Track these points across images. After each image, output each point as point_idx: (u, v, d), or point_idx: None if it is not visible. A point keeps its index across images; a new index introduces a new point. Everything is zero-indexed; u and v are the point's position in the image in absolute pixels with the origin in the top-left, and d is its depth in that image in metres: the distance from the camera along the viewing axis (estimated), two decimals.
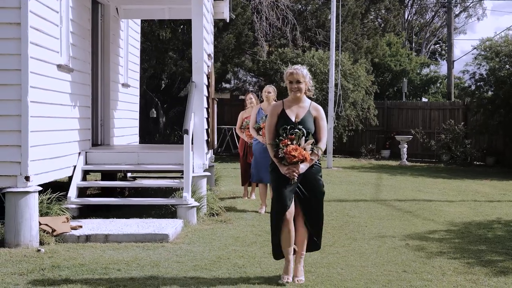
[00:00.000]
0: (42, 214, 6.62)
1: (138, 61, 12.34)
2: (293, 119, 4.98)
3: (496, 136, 17.76)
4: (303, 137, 4.89)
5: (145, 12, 11.45)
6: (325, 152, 10.95)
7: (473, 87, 17.97)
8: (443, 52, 39.41)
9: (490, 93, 17.45)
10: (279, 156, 4.89)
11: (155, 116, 21.07)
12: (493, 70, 16.89)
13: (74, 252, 5.95)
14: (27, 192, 6.20)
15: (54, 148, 7.18)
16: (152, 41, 18.81)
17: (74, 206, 7.50)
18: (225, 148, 19.83)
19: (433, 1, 37.26)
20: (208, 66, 9.60)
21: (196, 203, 7.66)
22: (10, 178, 6.28)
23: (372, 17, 25.90)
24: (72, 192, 7.64)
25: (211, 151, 10.51)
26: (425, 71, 32.07)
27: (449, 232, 7.42)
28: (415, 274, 5.34)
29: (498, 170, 16.51)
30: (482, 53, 17.44)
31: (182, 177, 8.36)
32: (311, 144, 4.92)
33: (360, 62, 19.45)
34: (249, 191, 10.09)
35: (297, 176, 4.90)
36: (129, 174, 10.58)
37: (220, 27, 17.81)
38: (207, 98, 9.45)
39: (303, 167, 4.89)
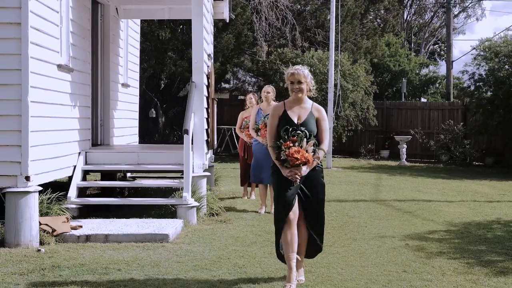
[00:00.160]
0: (42, 214, 6.62)
1: (137, 61, 12.35)
2: (295, 121, 4.90)
3: (495, 137, 17.78)
4: (305, 139, 4.82)
5: (145, 12, 11.45)
6: None
7: (472, 88, 17.99)
8: (442, 52, 39.45)
9: (489, 93, 17.47)
10: (281, 158, 4.81)
11: (154, 116, 21.07)
12: (492, 70, 16.91)
13: (74, 252, 5.96)
14: (27, 192, 6.20)
15: (54, 148, 7.18)
16: (152, 41, 18.81)
17: (74, 206, 7.51)
18: (224, 148, 19.84)
19: (432, 2, 37.30)
20: (208, 66, 9.60)
21: (196, 203, 7.66)
22: (10, 178, 6.28)
23: (371, 17, 25.90)
24: (72, 192, 7.64)
25: (210, 151, 10.52)
26: (424, 71, 32.10)
27: (449, 232, 7.43)
28: (415, 274, 5.35)
29: (497, 171, 16.53)
30: (482, 53, 17.46)
31: (182, 177, 8.37)
32: (313, 146, 4.85)
33: (359, 62, 19.47)
34: (249, 191, 10.10)
35: (299, 178, 4.83)
36: (128, 174, 10.58)
37: (220, 27, 17.82)
38: (207, 98, 9.45)
39: (305, 169, 4.82)
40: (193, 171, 7.96)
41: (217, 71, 17.94)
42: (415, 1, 37.07)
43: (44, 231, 6.33)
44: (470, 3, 37.65)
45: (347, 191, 11.19)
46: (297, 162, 4.75)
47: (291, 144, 4.79)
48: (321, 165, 5.05)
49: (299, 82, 4.92)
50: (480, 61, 17.45)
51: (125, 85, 10.94)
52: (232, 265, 5.54)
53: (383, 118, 20.29)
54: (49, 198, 6.92)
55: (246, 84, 23.63)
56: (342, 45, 19.20)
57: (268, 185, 8.74)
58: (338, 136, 18.42)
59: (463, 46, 57.49)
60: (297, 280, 4.93)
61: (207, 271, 5.32)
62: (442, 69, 35.10)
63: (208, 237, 6.80)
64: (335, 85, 17.05)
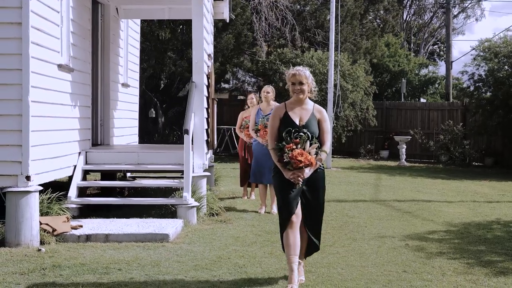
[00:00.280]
0: (42, 213, 6.63)
1: (137, 61, 12.35)
2: (297, 122, 4.84)
3: (495, 137, 17.80)
4: (308, 141, 4.75)
5: (145, 12, 11.46)
6: None
7: (472, 88, 18.01)
8: (442, 52, 39.47)
9: (488, 94, 17.49)
10: (284, 161, 4.73)
11: (154, 116, 21.07)
12: (492, 71, 16.93)
13: (75, 251, 5.96)
14: (28, 192, 6.20)
15: (54, 148, 7.19)
16: (152, 41, 18.82)
17: (74, 205, 7.51)
18: (224, 148, 19.85)
19: (431, 2, 37.33)
20: (208, 66, 9.61)
21: (196, 203, 7.67)
22: (11, 178, 6.29)
23: (371, 17, 25.93)
24: (73, 192, 7.65)
25: (210, 151, 10.53)
26: (424, 71, 32.12)
27: (449, 232, 7.44)
28: (415, 274, 5.36)
29: (497, 171, 16.55)
30: (481, 54, 17.48)
31: (182, 177, 8.37)
32: (316, 148, 4.78)
33: (359, 62, 19.48)
34: (249, 191, 10.11)
35: (302, 181, 4.77)
36: (128, 174, 10.59)
37: (219, 27, 17.83)
38: (207, 98, 9.46)
39: (308, 172, 4.77)
40: (193, 171, 7.97)
41: (216, 71, 17.94)
42: (414, 1, 37.10)
43: (45, 230, 6.33)
44: (470, 3, 37.70)
45: (347, 191, 11.20)
46: (301, 165, 4.68)
47: (294, 146, 4.72)
48: (323, 167, 5.00)
49: (301, 83, 4.86)
50: (479, 62, 17.47)
51: (125, 85, 10.94)
52: (233, 265, 5.54)
53: (382, 119, 20.31)
54: (49, 198, 6.92)
55: (246, 84, 23.65)
56: (341, 46, 19.21)
57: (268, 185, 8.75)
58: (338, 136, 18.43)
59: (463, 47, 57.58)
60: (298, 280, 4.91)
61: (208, 271, 5.33)
62: (441, 69, 35.16)
63: (208, 237, 6.81)
64: (335, 86, 17.06)
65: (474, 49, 18.37)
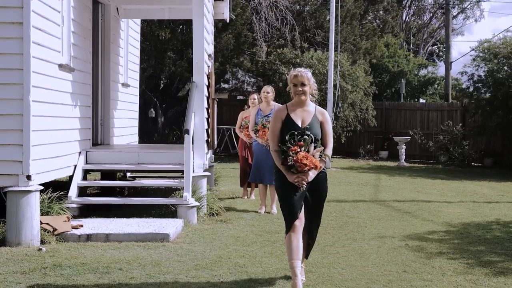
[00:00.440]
0: (43, 213, 6.63)
1: (137, 61, 12.36)
2: (299, 124, 4.76)
3: (494, 138, 17.82)
4: (312, 144, 4.67)
5: (145, 12, 11.47)
6: None
7: (471, 89, 18.04)
8: (441, 53, 39.50)
9: (488, 94, 17.52)
10: (288, 164, 4.63)
11: (153, 116, 21.08)
12: (491, 71, 16.96)
13: (75, 251, 5.97)
14: (29, 191, 6.21)
15: (55, 148, 7.20)
16: (151, 41, 18.83)
17: (74, 205, 7.52)
18: (223, 148, 19.86)
19: (431, 3, 37.36)
20: (208, 67, 9.62)
21: (197, 203, 7.68)
22: (11, 177, 6.29)
23: (370, 18, 25.96)
24: (73, 192, 7.65)
25: (210, 151, 10.54)
26: (423, 72, 32.14)
27: (448, 232, 7.46)
28: (415, 274, 5.37)
29: (496, 171, 16.57)
30: (481, 54, 17.51)
31: (182, 177, 8.38)
32: (319, 151, 4.69)
33: (358, 63, 19.50)
34: (249, 191, 10.12)
35: (306, 184, 4.70)
36: (128, 174, 10.59)
37: (219, 27, 17.84)
38: (207, 98, 9.47)
39: (312, 175, 4.69)
40: (193, 171, 7.98)
41: (216, 71, 17.94)
42: (414, 2, 37.13)
43: (45, 230, 6.34)
44: (469, 4, 37.73)
45: (347, 192, 11.21)
46: (306, 168, 4.60)
47: (299, 149, 4.62)
48: (325, 169, 4.91)
49: (303, 84, 4.79)
50: (479, 62, 17.50)
51: (125, 85, 10.95)
52: (233, 265, 5.55)
53: (382, 119, 20.33)
54: (49, 198, 6.93)
55: (245, 84, 23.66)
56: (341, 46, 19.23)
57: (268, 185, 8.76)
58: (337, 136, 18.44)
59: (462, 47, 57.61)
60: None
61: (208, 271, 5.34)
62: (440, 70, 35.17)
63: (209, 236, 6.82)
64: (335, 86, 17.08)
65: (473, 49, 18.41)
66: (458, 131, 18.23)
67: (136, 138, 12.02)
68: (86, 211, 7.72)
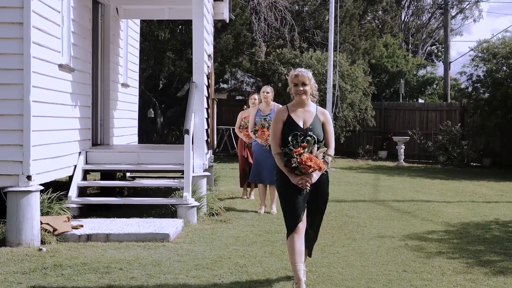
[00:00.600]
0: (43, 213, 6.64)
1: (137, 61, 12.37)
2: (301, 125, 4.70)
3: (493, 138, 17.85)
4: (316, 145, 4.60)
5: (145, 12, 11.48)
6: None
7: (470, 89, 18.07)
8: (440, 53, 39.54)
9: (487, 94, 17.54)
10: (292, 166, 4.55)
11: (152, 116, 21.08)
12: (490, 71, 16.98)
13: (76, 251, 5.98)
14: (29, 192, 6.22)
15: (55, 148, 7.21)
16: (151, 41, 18.83)
17: (74, 205, 7.52)
18: (222, 148, 19.86)
19: (429, 3, 37.40)
20: (208, 67, 9.63)
21: (196, 203, 7.69)
22: (11, 177, 6.30)
23: (369, 18, 25.98)
24: (73, 192, 7.66)
25: (210, 151, 10.55)
26: (422, 72, 32.16)
27: (448, 232, 7.47)
28: (415, 273, 5.39)
29: (495, 171, 16.60)
30: (479, 54, 17.54)
31: (181, 177, 8.39)
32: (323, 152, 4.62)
33: (357, 63, 19.52)
34: (248, 191, 10.13)
35: (309, 186, 4.63)
36: (128, 174, 10.60)
37: (219, 27, 17.85)
38: (207, 98, 9.48)
39: (315, 177, 4.62)
40: (193, 171, 7.99)
41: (215, 71, 17.95)
42: (412, 2, 37.17)
43: (45, 230, 6.35)
44: (468, 4, 37.77)
45: (346, 191, 11.23)
46: (310, 170, 4.52)
47: (302, 151, 4.55)
48: (327, 172, 4.85)
49: (304, 84, 4.74)
50: (478, 62, 17.53)
51: (124, 85, 10.96)
52: (233, 265, 5.57)
53: (381, 119, 20.35)
54: (50, 198, 6.93)
55: (245, 84, 23.67)
56: (340, 46, 19.25)
57: (268, 185, 8.77)
58: (336, 136, 18.45)
59: (461, 47, 57.63)
60: None
61: (209, 271, 5.35)
62: (439, 70, 35.17)
63: (209, 236, 6.83)
64: (334, 86, 17.10)
65: (472, 50, 18.43)
66: (457, 131, 18.26)
67: (135, 138, 12.02)
68: (86, 211, 7.72)
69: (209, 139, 9.79)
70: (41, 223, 6.36)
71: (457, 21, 39.18)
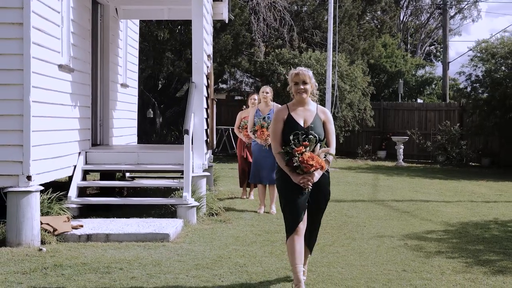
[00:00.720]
0: (43, 213, 6.65)
1: (136, 61, 12.37)
2: (302, 124, 4.67)
3: (492, 137, 17.88)
4: (318, 144, 4.58)
5: (144, 12, 11.49)
6: None
7: (469, 89, 18.10)
8: (438, 53, 39.61)
9: (485, 94, 17.57)
10: (294, 165, 4.51)
11: (152, 116, 21.09)
12: (489, 71, 17.01)
13: (76, 251, 5.98)
14: (29, 192, 6.23)
15: (55, 148, 7.21)
16: (150, 42, 18.84)
17: (74, 205, 7.53)
18: (221, 148, 19.87)
19: (428, 3, 37.44)
20: (207, 67, 9.64)
21: (196, 203, 7.70)
22: (12, 178, 6.30)
23: (368, 18, 26.00)
24: (73, 192, 7.67)
25: (210, 151, 10.56)
26: (420, 72, 32.21)
27: (447, 232, 7.49)
28: (414, 273, 5.40)
29: (494, 171, 16.62)
30: (478, 54, 17.57)
31: (181, 177, 8.40)
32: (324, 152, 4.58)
33: (356, 63, 19.55)
34: (248, 191, 10.14)
35: (311, 185, 4.61)
36: (127, 174, 10.60)
37: (218, 27, 17.86)
38: (207, 98, 9.49)
39: (317, 176, 4.59)
40: (193, 171, 8.00)
41: (214, 71, 17.97)
42: (411, 2, 37.20)
43: (46, 230, 6.35)
44: (466, 4, 37.83)
45: (345, 191, 11.24)
46: (312, 169, 4.49)
47: (304, 150, 4.52)
48: (328, 173, 4.82)
49: (304, 83, 4.71)
50: (477, 63, 17.56)
51: (124, 85, 10.97)
52: (233, 264, 5.58)
53: (380, 119, 20.37)
54: (49, 198, 6.94)
55: (244, 84, 23.69)
56: (339, 46, 19.26)
57: (267, 185, 8.78)
58: (335, 136, 18.45)
59: (459, 47, 57.74)
60: None
61: (209, 270, 5.36)
62: (438, 70, 35.28)
63: (208, 236, 6.84)
64: (333, 86, 17.12)
65: (471, 50, 18.46)
66: (456, 131, 18.28)
67: (135, 138, 12.03)
68: (85, 211, 7.73)
69: (208, 139, 9.80)
70: (41, 223, 6.36)
71: (456, 21, 39.31)
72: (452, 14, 36.88)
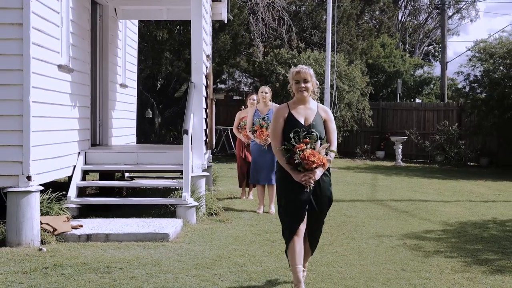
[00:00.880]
0: (42, 213, 6.66)
1: (135, 61, 12.38)
2: (302, 122, 4.62)
3: (490, 137, 17.91)
4: (318, 141, 4.53)
5: (143, 13, 11.50)
6: None
7: (467, 89, 18.14)
8: (436, 53, 39.65)
9: (484, 94, 17.60)
10: (295, 162, 4.46)
11: (150, 116, 21.10)
12: (487, 71, 17.04)
13: (76, 251, 6.00)
14: (29, 192, 6.24)
15: (55, 148, 7.23)
16: (149, 42, 18.85)
17: (74, 205, 7.55)
18: (220, 148, 19.89)
19: (426, 3, 37.49)
20: (206, 67, 9.66)
21: (196, 203, 7.72)
22: (11, 178, 6.32)
23: (366, 18, 26.04)
24: (72, 192, 7.68)
25: (209, 152, 10.58)
26: (419, 72, 32.25)
27: (446, 231, 7.51)
28: (413, 272, 5.42)
29: (492, 171, 16.66)
30: (476, 54, 17.60)
31: (180, 177, 8.41)
32: (325, 148, 4.55)
33: (355, 63, 19.58)
34: (247, 191, 10.16)
35: (313, 183, 4.54)
36: (127, 174, 10.61)
37: (216, 27, 17.87)
38: (206, 99, 9.50)
39: (318, 173, 4.53)
40: (192, 171, 8.01)
41: (213, 71, 17.96)
42: (409, 2, 37.25)
43: (45, 230, 6.37)
44: (464, 4, 37.87)
45: (344, 191, 11.26)
46: (314, 166, 4.44)
47: (305, 147, 4.47)
48: (329, 174, 4.77)
49: (305, 81, 4.65)
50: (475, 62, 17.59)
51: (123, 85, 10.98)
52: (233, 264, 5.59)
53: (378, 119, 20.40)
54: (49, 198, 6.96)
55: (242, 84, 23.70)
56: (338, 46, 19.29)
57: (266, 185, 8.80)
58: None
59: (457, 47, 57.86)
60: None
61: (208, 270, 5.37)
62: (436, 70, 35.31)
63: (208, 236, 6.86)
64: (331, 86, 17.13)
65: (469, 50, 18.50)
66: (454, 131, 18.31)
67: (134, 138, 12.04)
68: (85, 211, 7.74)
69: (207, 139, 9.81)
70: (41, 223, 6.38)
71: (454, 21, 39.35)
72: (450, 14, 36.93)
